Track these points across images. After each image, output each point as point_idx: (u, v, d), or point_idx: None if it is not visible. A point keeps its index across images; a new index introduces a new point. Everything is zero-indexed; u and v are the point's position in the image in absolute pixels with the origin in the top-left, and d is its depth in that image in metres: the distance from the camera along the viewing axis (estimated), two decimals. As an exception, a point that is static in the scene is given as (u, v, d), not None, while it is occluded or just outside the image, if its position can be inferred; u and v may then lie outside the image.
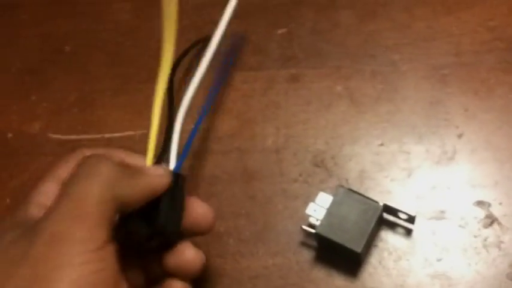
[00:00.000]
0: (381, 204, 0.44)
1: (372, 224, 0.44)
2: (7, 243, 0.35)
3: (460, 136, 0.49)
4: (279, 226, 0.47)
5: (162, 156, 0.40)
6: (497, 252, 0.45)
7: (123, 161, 0.39)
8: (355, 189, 0.46)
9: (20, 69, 0.58)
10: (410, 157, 0.49)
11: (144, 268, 0.40)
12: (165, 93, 0.41)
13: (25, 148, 0.53)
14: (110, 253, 0.35)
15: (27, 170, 0.52)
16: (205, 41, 0.47)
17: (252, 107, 0.53)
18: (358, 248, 0.43)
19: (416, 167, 0.48)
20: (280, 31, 0.56)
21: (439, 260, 0.45)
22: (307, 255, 0.46)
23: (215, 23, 0.47)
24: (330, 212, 0.44)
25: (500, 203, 0.46)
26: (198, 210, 0.40)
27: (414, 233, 0.46)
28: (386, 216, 0.46)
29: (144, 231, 0.38)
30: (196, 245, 0.41)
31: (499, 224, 0.46)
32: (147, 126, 0.51)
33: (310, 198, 0.46)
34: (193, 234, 0.41)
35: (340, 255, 0.44)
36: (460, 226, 0.46)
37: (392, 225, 0.46)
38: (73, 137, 0.53)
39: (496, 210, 0.46)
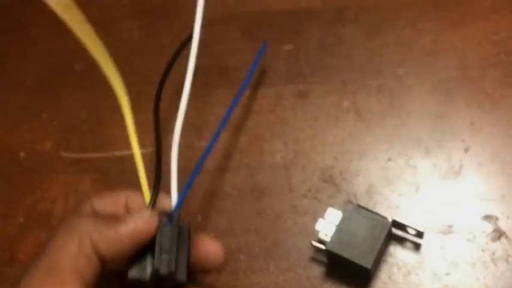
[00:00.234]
0: (390, 219, 0.45)
1: (381, 240, 0.44)
2: None
3: (466, 150, 0.50)
4: (289, 242, 0.48)
5: (153, 197, 0.39)
6: (506, 266, 0.45)
7: (111, 210, 0.39)
8: (363, 204, 0.46)
9: (30, 88, 0.59)
10: (418, 171, 0.50)
11: None
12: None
13: (37, 167, 0.54)
14: None
15: (39, 188, 0.53)
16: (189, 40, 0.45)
17: (260, 123, 0.54)
18: (368, 264, 0.43)
19: (423, 182, 0.49)
20: (286, 47, 0.57)
21: (447, 274, 0.45)
22: (317, 270, 0.47)
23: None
24: (339, 228, 0.45)
25: (508, 217, 0.47)
26: (207, 247, 0.39)
27: (423, 248, 0.46)
28: (395, 231, 0.46)
29: (146, 277, 0.37)
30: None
31: (507, 237, 0.46)
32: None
33: (319, 213, 0.46)
34: (205, 272, 0.40)
35: (350, 270, 0.45)
36: (468, 240, 0.46)
37: (401, 240, 0.47)
38: (84, 155, 0.54)
39: (503, 224, 0.47)
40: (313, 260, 0.47)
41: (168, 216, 0.38)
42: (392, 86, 0.54)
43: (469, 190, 0.48)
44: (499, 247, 0.46)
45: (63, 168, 0.53)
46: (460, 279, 0.45)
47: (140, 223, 0.37)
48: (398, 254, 0.46)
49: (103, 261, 0.36)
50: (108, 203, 0.41)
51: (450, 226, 0.47)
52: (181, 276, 0.37)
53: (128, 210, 0.40)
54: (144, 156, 0.53)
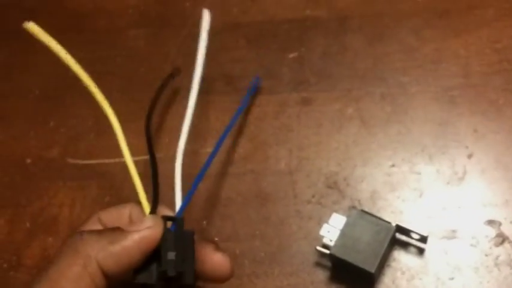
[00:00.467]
0: (394, 224, 0.45)
1: (385, 245, 0.44)
2: None
3: (469, 156, 0.50)
4: (293, 247, 0.48)
5: (154, 206, 0.40)
6: (509, 270, 0.45)
7: (117, 223, 0.40)
8: (367, 209, 0.47)
9: (37, 96, 0.59)
10: (421, 177, 0.50)
11: None
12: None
13: (43, 173, 0.55)
14: None
15: (46, 194, 0.53)
16: (175, 74, 0.47)
17: (264, 130, 0.54)
18: (371, 269, 0.44)
19: (427, 188, 0.49)
20: (291, 55, 0.58)
21: (451, 279, 0.46)
22: (322, 275, 0.47)
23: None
24: (343, 233, 0.45)
25: (511, 222, 0.47)
26: (213, 260, 0.39)
27: (426, 252, 0.47)
28: (399, 236, 0.47)
29: (154, 281, 0.37)
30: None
31: (510, 242, 0.46)
32: (163, 150, 0.53)
33: (324, 219, 0.47)
34: (213, 281, 0.41)
35: (354, 275, 0.45)
36: (471, 245, 0.47)
37: (404, 245, 0.47)
38: (91, 161, 0.54)
39: (506, 229, 0.47)
40: (318, 264, 0.47)
41: (172, 221, 0.39)
42: (396, 93, 0.54)
43: (472, 196, 0.49)
44: (502, 252, 0.46)
45: (70, 174, 0.54)
46: (464, 284, 0.45)
47: (145, 231, 0.37)
48: (402, 258, 0.47)
49: (110, 278, 0.36)
50: (114, 215, 0.41)
51: (454, 231, 0.47)
52: (189, 278, 0.38)
53: (131, 222, 0.40)
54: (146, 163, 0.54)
